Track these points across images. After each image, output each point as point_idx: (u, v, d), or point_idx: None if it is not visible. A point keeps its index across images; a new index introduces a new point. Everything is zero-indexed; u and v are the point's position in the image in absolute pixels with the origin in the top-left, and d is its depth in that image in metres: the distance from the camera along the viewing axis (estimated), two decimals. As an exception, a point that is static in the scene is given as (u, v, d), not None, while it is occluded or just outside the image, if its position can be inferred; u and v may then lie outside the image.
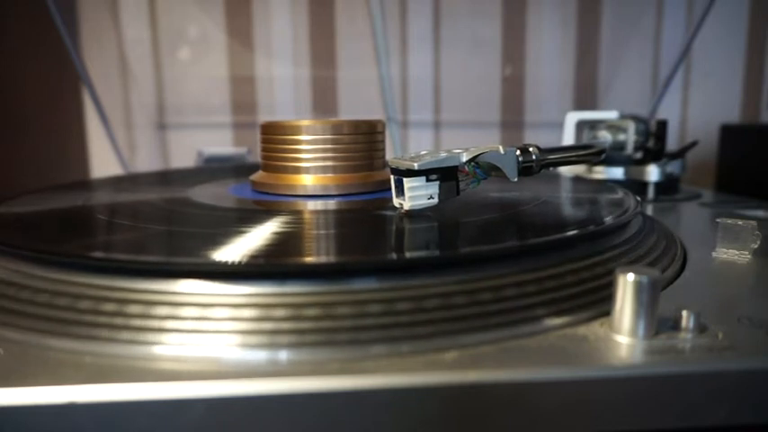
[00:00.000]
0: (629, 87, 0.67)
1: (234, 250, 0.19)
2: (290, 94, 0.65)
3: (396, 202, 0.25)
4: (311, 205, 0.28)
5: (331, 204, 0.28)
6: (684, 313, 0.17)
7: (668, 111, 0.66)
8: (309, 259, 0.19)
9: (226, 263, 0.18)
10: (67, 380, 0.15)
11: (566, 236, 0.22)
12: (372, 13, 0.53)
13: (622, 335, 0.17)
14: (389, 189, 0.26)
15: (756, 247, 0.25)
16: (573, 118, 0.47)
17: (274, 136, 0.31)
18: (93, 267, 0.19)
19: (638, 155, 0.45)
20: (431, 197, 0.25)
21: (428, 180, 0.24)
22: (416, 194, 0.24)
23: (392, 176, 0.25)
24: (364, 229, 0.24)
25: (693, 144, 0.46)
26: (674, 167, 0.43)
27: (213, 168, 0.47)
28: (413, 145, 0.67)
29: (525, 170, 0.26)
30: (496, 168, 0.25)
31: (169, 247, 0.22)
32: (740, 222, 0.25)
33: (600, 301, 0.19)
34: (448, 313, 0.17)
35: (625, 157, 0.44)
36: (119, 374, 0.15)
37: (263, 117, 0.65)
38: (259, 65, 0.65)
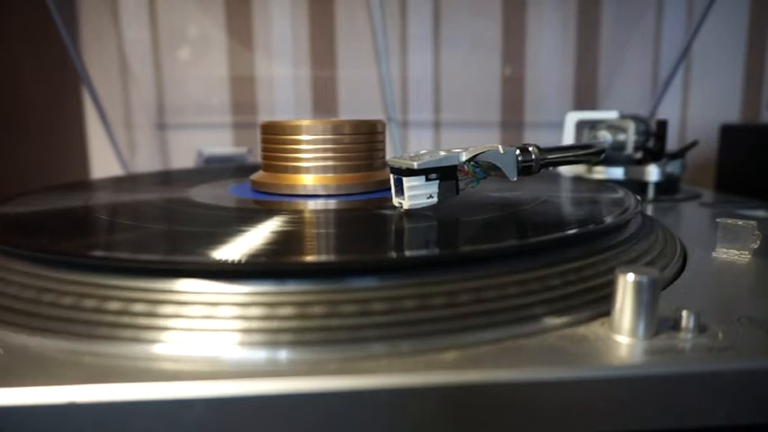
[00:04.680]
0: (629, 87, 0.67)
1: (234, 250, 0.19)
2: (290, 94, 0.65)
3: (395, 201, 0.25)
4: (311, 205, 0.28)
5: (331, 204, 0.28)
6: (684, 313, 0.17)
7: (668, 111, 0.66)
8: (309, 258, 0.19)
9: (226, 262, 0.18)
10: (67, 380, 0.15)
11: (566, 235, 0.22)
12: (372, 13, 0.53)
13: (622, 335, 0.17)
14: (389, 189, 0.26)
15: (756, 247, 0.25)
16: (573, 118, 0.47)
17: (274, 136, 0.31)
18: (93, 267, 0.19)
19: (638, 155, 0.45)
20: (430, 196, 0.25)
21: (428, 179, 0.24)
22: (416, 194, 0.24)
23: (392, 176, 0.25)
24: (364, 228, 0.24)
25: (693, 144, 0.46)
26: (674, 167, 0.43)
27: (213, 168, 0.47)
28: (413, 145, 0.67)
29: (525, 170, 0.26)
30: (496, 168, 0.25)
31: (169, 247, 0.22)
32: (740, 222, 0.25)
33: (600, 301, 0.19)
34: (448, 312, 0.17)
35: (625, 157, 0.44)
36: (119, 374, 0.15)
37: (263, 117, 0.65)
38: (259, 65, 0.65)
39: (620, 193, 0.31)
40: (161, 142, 0.66)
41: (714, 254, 0.26)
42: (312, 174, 0.31)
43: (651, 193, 0.42)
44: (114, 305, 0.18)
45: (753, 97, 0.66)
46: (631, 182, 0.43)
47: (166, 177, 0.42)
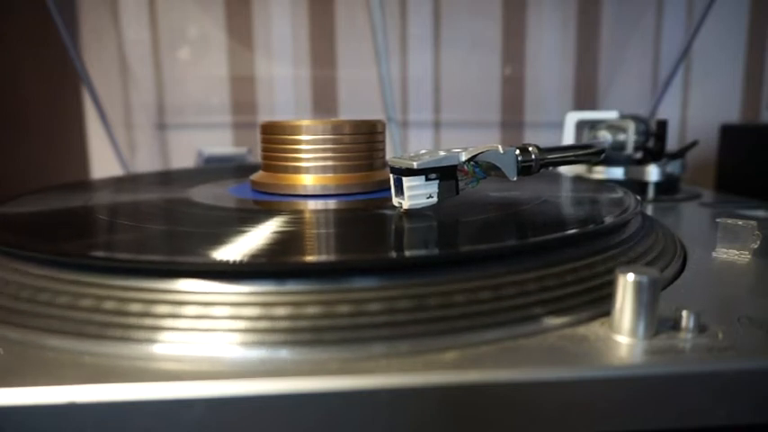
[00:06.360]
0: (629, 87, 0.67)
1: (234, 250, 0.19)
2: (290, 94, 0.65)
3: (395, 201, 0.25)
4: (311, 205, 0.28)
5: (331, 204, 0.28)
6: (684, 313, 0.17)
7: (668, 111, 0.66)
8: (309, 258, 0.19)
9: (226, 262, 0.18)
10: (67, 380, 0.15)
11: (566, 235, 0.22)
12: (372, 13, 0.53)
13: (622, 335, 0.17)
14: (389, 189, 0.26)
15: (756, 247, 0.25)
16: (573, 118, 0.47)
17: (274, 136, 0.31)
18: (93, 267, 0.19)
19: (638, 155, 0.45)
20: (430, 196, 0.25)
21: (427, 179, 0.24)
22: (416, 194, 0.24)
23: (392, 176, 0.25)
24: (364, 228, 0.24)
25: (693, 144, 0.46)
26: (674, 167, 0.43)
27: (213, 168, 0.47)
28: (413, 145, 0.67)
29: (524, 170, 0.26)
30: (496, 168, 0.25)
31: (169, 247, 0.22)
32: (740, 222, 0.25)
33: (600, 301, 0.19)
34: (447, 313, 0.17)
35: (625, 157, 0.44)
36: (119, 374, 0.15)
37: (263, 117, 0.65)
38: (259, 65, 0.65)
39: (620, 193, 0.31)
40: (161, 142, 0.66)
41: (714, 254, 0.26)
42: (312, 174, 0.31)
43: (651, 193, 0.42)
44: (114, 305, 0.18)
45: (753, 97, 0.66)
46: (631, 182, 0.43)
47: (166, 177, 0.42)
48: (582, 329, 0.18)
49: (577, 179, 0.39)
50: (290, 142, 0.31)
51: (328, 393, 0.15)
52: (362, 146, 0.31)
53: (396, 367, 0.15)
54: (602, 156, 0.29)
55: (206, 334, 0.17)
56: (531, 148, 0.26)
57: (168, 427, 0.15)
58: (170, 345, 0.16)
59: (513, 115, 0.67)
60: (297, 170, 0.31)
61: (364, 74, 0.64)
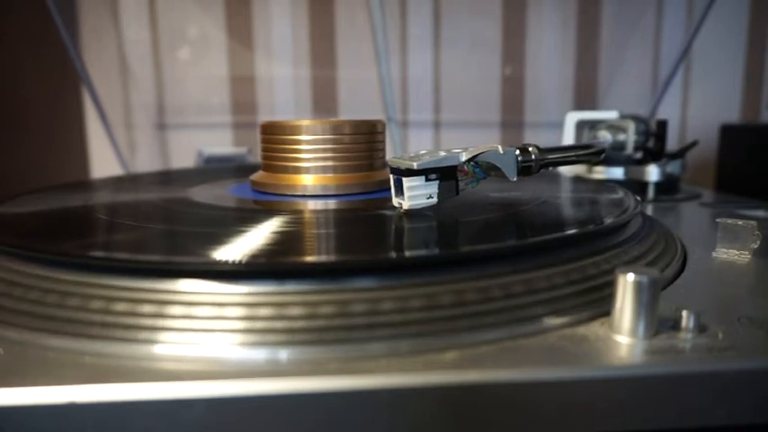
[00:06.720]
0: (629, 87, 0.67)
1: (234, 250, 0.19)
2: (290, 94, 0.65)
3: (395, 201, 0.25)
4: (311, 205, 0.28)
5: (331, 204, 0.28)
6: (684, 313, 0.17)
7: (668, 111, 0.66)
8: (309, 259, 0.19)
9: (226, 262, 0.18)
10: (67, 380, 0.15)
11: (565, 235, 0.22)
12: (372, 13, 0.53)
13: (622, 335, 0.17)
14: (389, 189, 0.26)
15: (756, 247, 0.25)
16: (573, 118, 0.47)
17: (274, 136, 0.31)
18: (92, 267, 0.19)
19: (638, 155, 0.45)
20: (430, 197, 0.25)
21: (427, 180, 0.24)
22: (416, 194, 0.24)
23: (392, 176, 0.25)
24: (364, 228, 0.24)
25: (693, 144, 0.46)
26: (674, 167, 0.43)
27: (213, 168, 0.47)
28: (413, 145, 0.67)
29: (524, 170, 0.26)
30: (496, 168, 0.26)
31: (169, 247, 0.22)
32: (740, 222, 0.25)
33: (600, 301, 0.19)
34: (447, 312, 0.17)
35: (625, 157, 0.44)
36: (119, 374, 0.15)
37: (263, 117, 0.65)
38: (259, 65, 0.65)
39: (620, 194, 0.31)
40: (161, 142, 0.66)
41: (714, 254, 0.26)
42: (312, 174, 0.31)
43: (651, 193, 0.42)
44: (114, 305, 0.18)
45: (753, 97, 0.66)
46: (631, 182, 0.43)
47: (166, 177, 0.42)
48: (582, 329, 0.18)
49: (577, 179, 0.39)
50: (289, 142, 0.31)
51: (328, 393, 0.15)
52: (362, 146, 0.31)
53: (396, 367, 0.15)
54: (602, 156, 0.29)
55: (206, 334, 0.17)
56: (531, 149, 0.26)
57: (168, 427, 0.15)
58: (170, 345, 0.16)
59: (513, 115, 0.67)
60: (297, 170, 0.31)
61: (364, 74, 0.64)
